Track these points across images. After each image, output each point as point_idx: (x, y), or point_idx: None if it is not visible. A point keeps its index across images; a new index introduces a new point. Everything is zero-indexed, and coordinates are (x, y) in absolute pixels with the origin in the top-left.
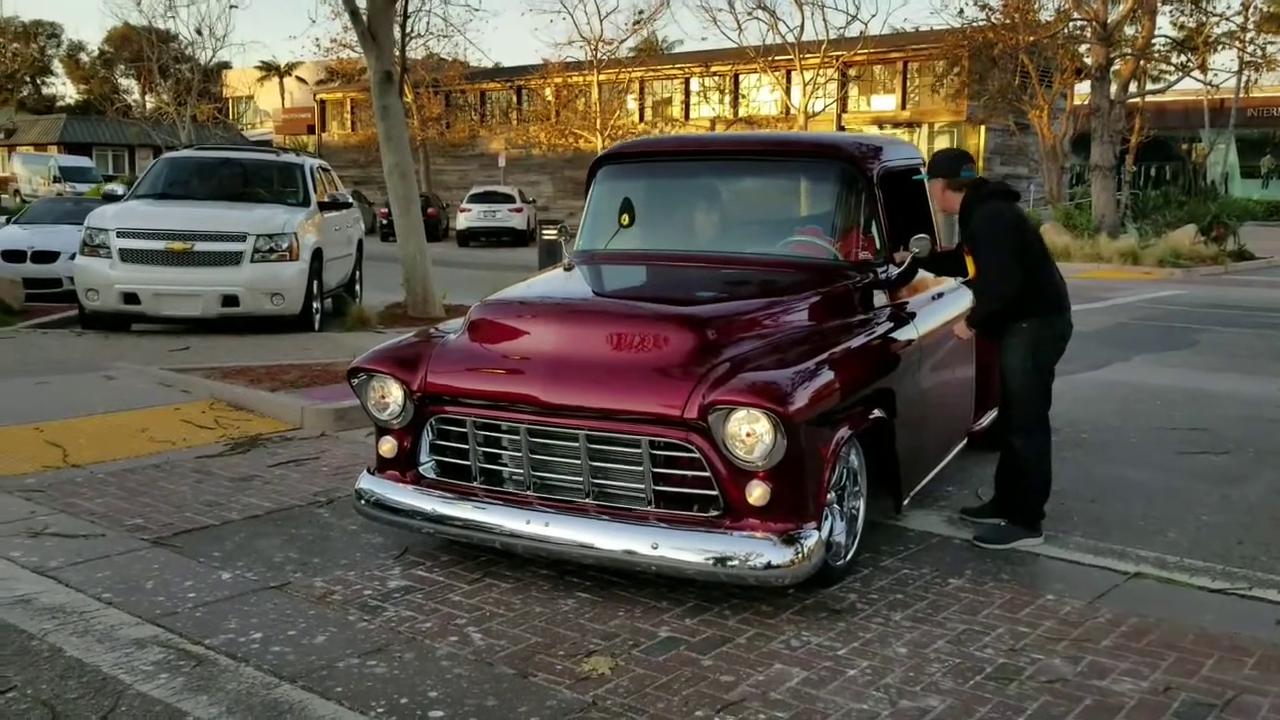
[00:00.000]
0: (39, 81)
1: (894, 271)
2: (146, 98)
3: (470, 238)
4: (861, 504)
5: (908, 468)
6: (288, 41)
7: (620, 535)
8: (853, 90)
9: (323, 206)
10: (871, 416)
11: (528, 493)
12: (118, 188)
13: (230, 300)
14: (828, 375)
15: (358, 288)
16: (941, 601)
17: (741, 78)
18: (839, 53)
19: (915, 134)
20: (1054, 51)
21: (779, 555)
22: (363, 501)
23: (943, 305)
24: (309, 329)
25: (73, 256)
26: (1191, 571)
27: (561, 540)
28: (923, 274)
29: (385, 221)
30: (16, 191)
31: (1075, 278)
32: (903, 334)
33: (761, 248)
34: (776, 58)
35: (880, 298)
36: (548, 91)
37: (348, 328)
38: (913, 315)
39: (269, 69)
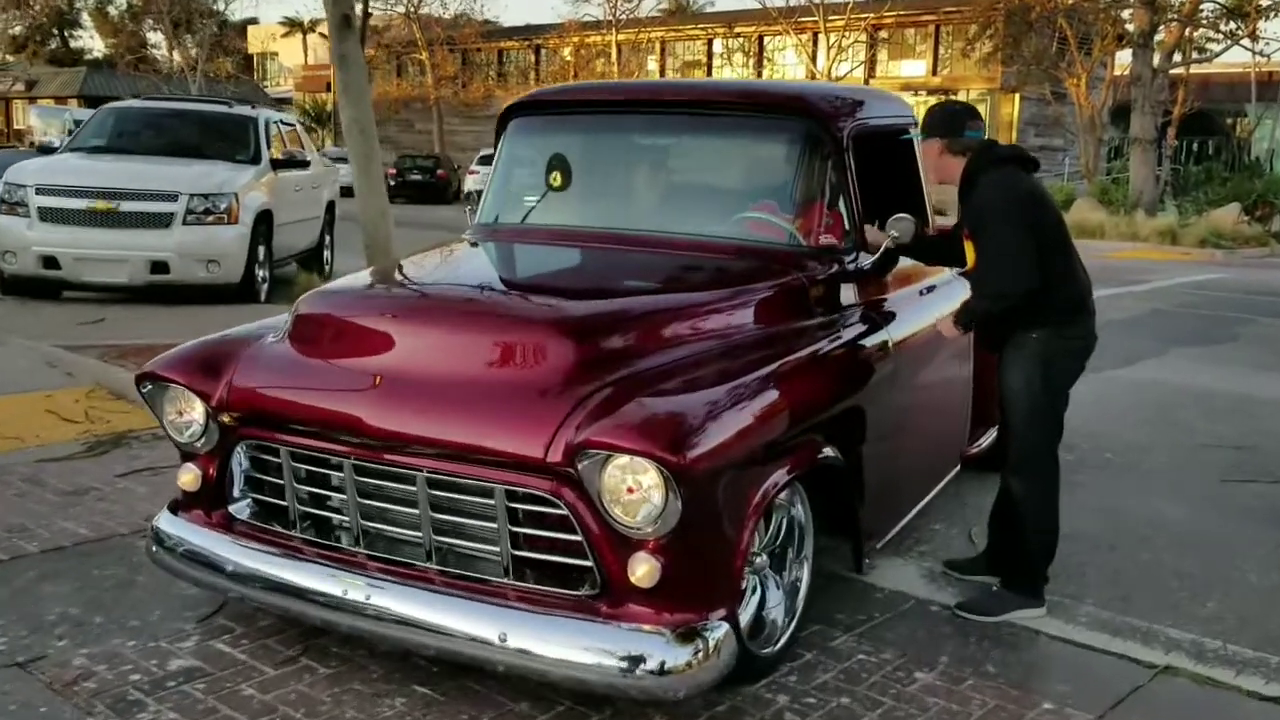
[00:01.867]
0: (67, 34)
1: (867, 260)
2: (174, 53)
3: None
4: (805, 571)
5: (874, 514)
6: None
7: (464, 615)
8: (881, 54)
9: (276, 164)
10: (821, 456)
11: (358, 549)
12: (55, 139)
13: (159, 267)
14: (755, 403)
15: (327, 254)
16: (901, 711)
17: (766, 39)
18: (867, 14)
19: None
20: (1094, 16)
21: (672, 657)
22: (156, 548)
23: (931, 303)
24: (253, 300)
25: None
26: (1239, 666)
27: (388, 616)
28: (910, 263)
29: (394, 183)
30: (33, 144)
31: (1108, 257)
32: (872, 341)
33: (699, 226)
34: (801, 19)
35: (847, 293)
36: (566, 51)
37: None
38: (889, 316)
39: (292, 25)
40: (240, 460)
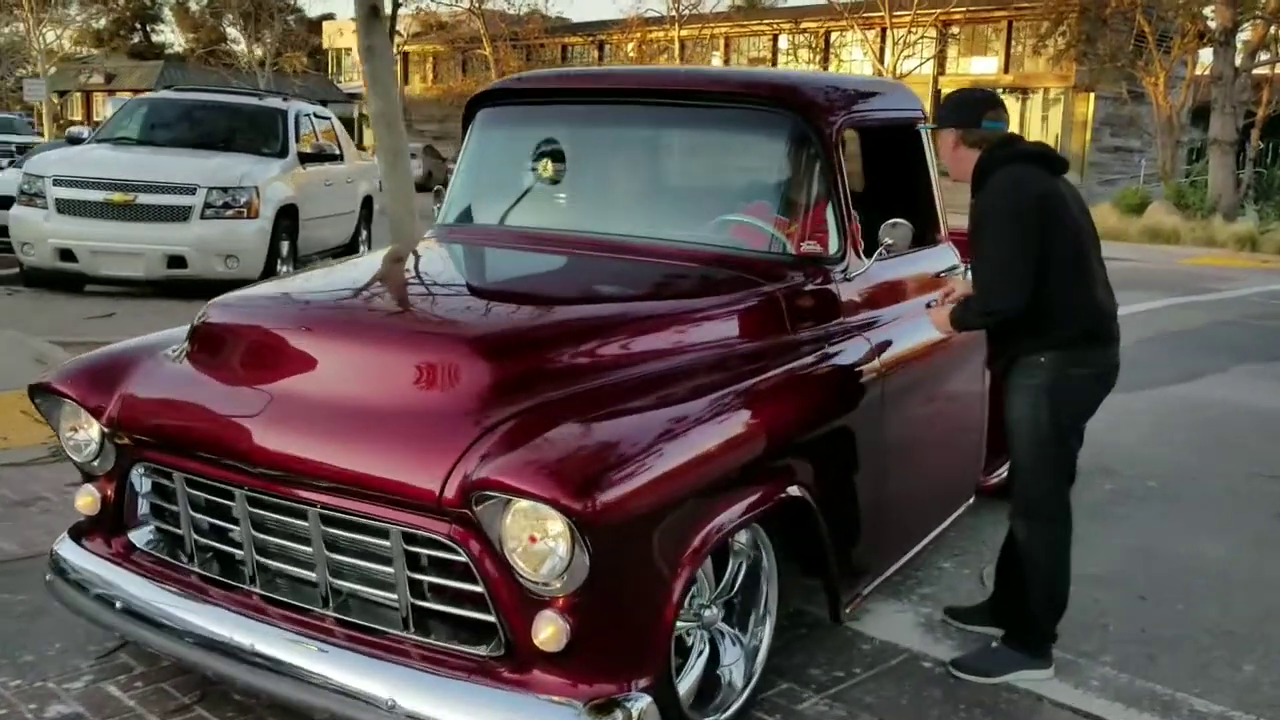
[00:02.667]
0: (149, 29)
1: (858, 269)
2: (253, 48)
3: None
4: (767, 628)
5: (861, 555)
6: None
7: (352, 671)
8: (951, 51)
9: (304, 158)
10: (787, 494)
11: (254, 589)
12: (83, 130)
13: (176, 261)
14: (697, 435)
15: (364, 249)
16: None
17: (833, 35)
18: (935, 10)
19: (1024, 102)
20: (1174, 12)
21: None
22: (52, 574)
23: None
24: None
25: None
26: None
27: (271, 667)
28: (918, 272)
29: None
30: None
31: (1181, 264)
32: (855, 361)
33: (667, 230)
34: (869, 14)
35: (831, 307)
36: (630, 47)
37: None
38: (879, 333)
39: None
40: (140, 484)
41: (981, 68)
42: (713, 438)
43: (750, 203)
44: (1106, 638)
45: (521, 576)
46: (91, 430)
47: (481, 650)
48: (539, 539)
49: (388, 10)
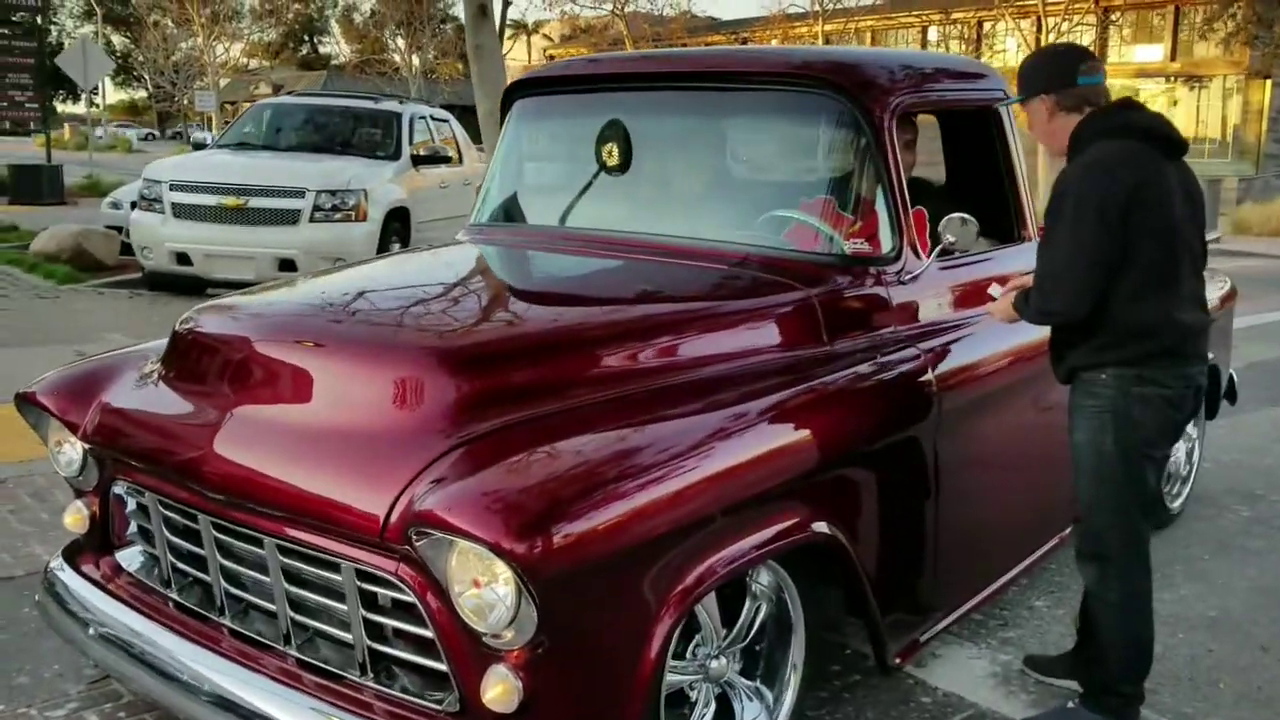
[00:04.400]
0: (316, 41)
1: (915, 271)
2: (413, 56)
3: None
4: (793, 683)
5: (915, 598)
6: None
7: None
8: (1113, 38)
9: (417, 160)
10: (810, 532)
11: (223, 621)
12: (208, 136)
13: (286, 264)
14: (688, 464)
15: None
16: None
17: (985, 25)
18: None
19: (1198, 91)
20: None
21: None
22: (43, 593)
23: (1013, 326)
24: None
25: None
26: None
27: (224, 705)
28: (997, 271)
29: None
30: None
31: None
32: (902, 375)
33: (702, 229)
34: (1022, 2)
35: (880, 314)
36: (773, 44)
37: None
38: (938, 343)
39: (517, 26)
40: (126, 503)
41: (1146, 55)
42: (706, 466)
43: (789, 196)
44: (1216, 698)
45: (473, 625)
46: (72, 444)
47: (436, 705)
48: (482, 584)
49: (497, 10)
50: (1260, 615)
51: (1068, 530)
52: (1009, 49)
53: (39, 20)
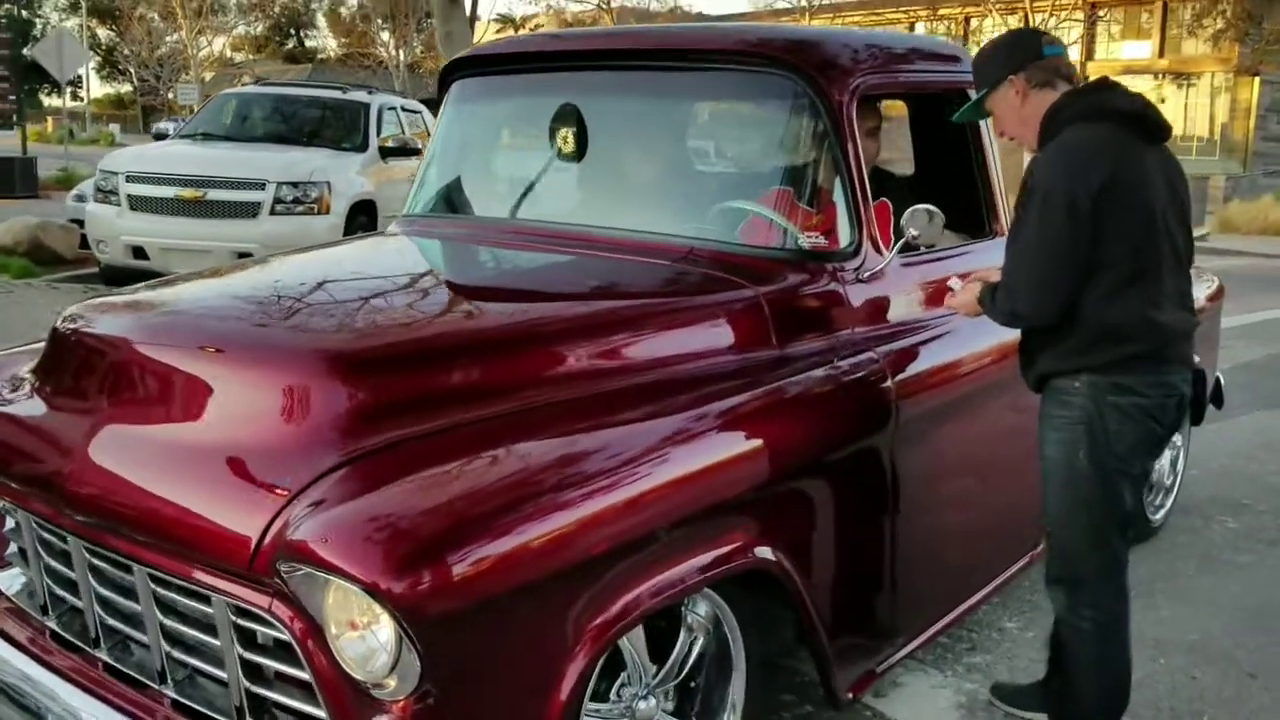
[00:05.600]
0: (302, 34)
1: (875, 267)
2: (400, 51)
3: None
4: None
5: (870, 627)
6: None
7: None
8: (1101, 35)
9: (385, 152)
10: (750, 558)
11: (98, 653)
12: (169, 126)
13: (245, 258)
14: (604, 485)
15: None
16: None
17: (972, 21)
18: None
19: (1186, 88)
20: None
21: None
22: None
23: (983, 328)
24: None
25: None
26: None
27: None
28: (967, 267)
29: None
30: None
31: None
32: (856, 382)
33: (646, 221)
34: None
35: (836, 315)
36: None
37: None
38: (898, 346)
39: (506, 22)
40: (5, 521)
41: (1134, 52)
42: (630, 487)
43: (744, 185)
44: None
45: (353, 673)
46: None
47: None
48: (362, 626)
49: None
50: (1247, 639)
51: (1040, 548)
52: None
53: (20, 12)
